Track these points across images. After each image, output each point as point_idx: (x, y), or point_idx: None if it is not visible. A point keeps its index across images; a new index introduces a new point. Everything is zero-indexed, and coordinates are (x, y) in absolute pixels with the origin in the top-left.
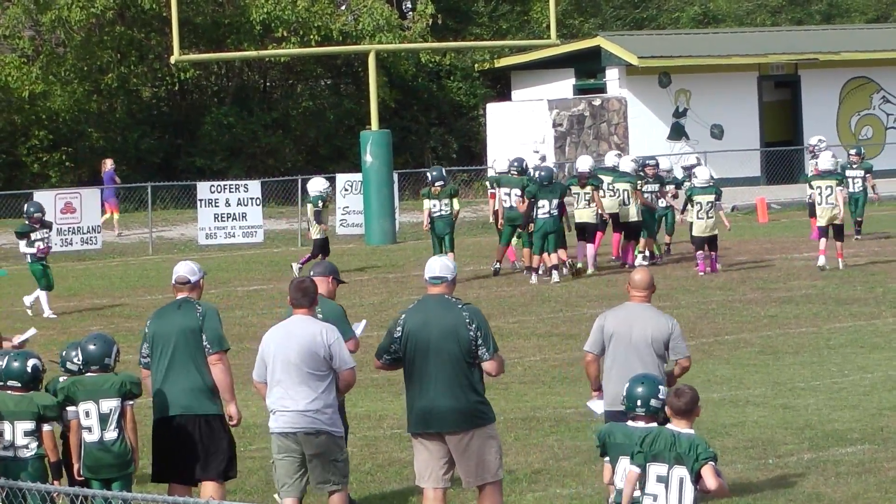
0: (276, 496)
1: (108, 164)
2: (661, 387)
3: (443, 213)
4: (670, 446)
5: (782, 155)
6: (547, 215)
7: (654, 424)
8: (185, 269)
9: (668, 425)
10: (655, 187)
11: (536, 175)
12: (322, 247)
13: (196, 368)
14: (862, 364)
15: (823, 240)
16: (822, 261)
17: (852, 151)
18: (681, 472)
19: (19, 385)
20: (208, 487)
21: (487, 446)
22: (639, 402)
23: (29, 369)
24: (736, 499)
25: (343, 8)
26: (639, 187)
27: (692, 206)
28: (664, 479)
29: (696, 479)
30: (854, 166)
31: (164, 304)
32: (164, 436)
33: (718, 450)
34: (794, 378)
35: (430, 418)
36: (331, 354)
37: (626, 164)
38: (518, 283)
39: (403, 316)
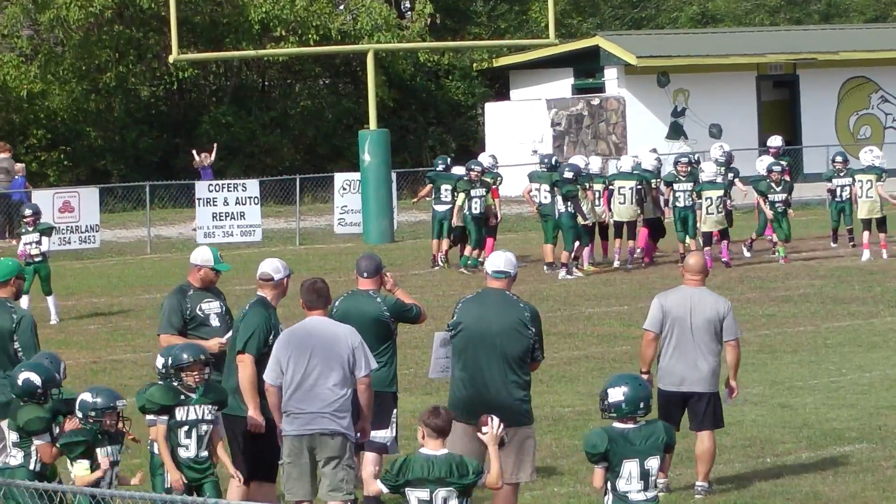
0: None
1: (205, 158)
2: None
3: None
4: (427, 472)
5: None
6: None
7: (635, 425)
8: (269, 266)
9: (422, 449)
10: (689, 186)
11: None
12: (461, 234)
13: (234, 369)
14: (860, 363)
15: (867, 233)
16: (866, 255)
17: (838, 158)
18: (445, 492)
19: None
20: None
21: (527, 446)
22: (642, 405)
23: (20, 382)
24: (734, 497)
25: (341, 7)
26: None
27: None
28: (428, 502)
29: (466, 493)
30: (841, 174)
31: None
32: None
33: (717, 448)
34: (792, 377)
35: (477, 409)
36: (354, 358)
37: (649, 161)
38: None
39: (460, 305)
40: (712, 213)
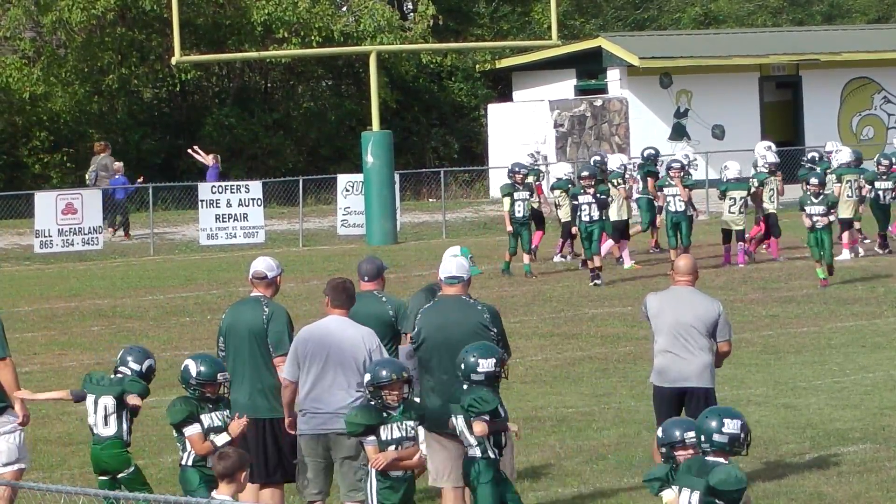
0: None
1: (210, 159)
2: (726, 420)
3: None
4: None
5: (783, 155)
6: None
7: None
8: (262, 264)
9: (214, 492)
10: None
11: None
12: (566, 229)
13: (260, 370)
14: (863, 363)
15: (846, 233)
16: (856, 250)
17: (883, 161)
18: None
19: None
20: (266, 494)
21: (505, 446)
22: (703, 438)
23: (143, 369)
24: None
25: (344, 9)
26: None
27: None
28: None
29: None
30: (882, 177)
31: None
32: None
33: None
34: (795, 377)
35: (449, 418)
36: (371, 361)
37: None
38: (519, 283)
39: (420, 316)
40: (734, 213)
